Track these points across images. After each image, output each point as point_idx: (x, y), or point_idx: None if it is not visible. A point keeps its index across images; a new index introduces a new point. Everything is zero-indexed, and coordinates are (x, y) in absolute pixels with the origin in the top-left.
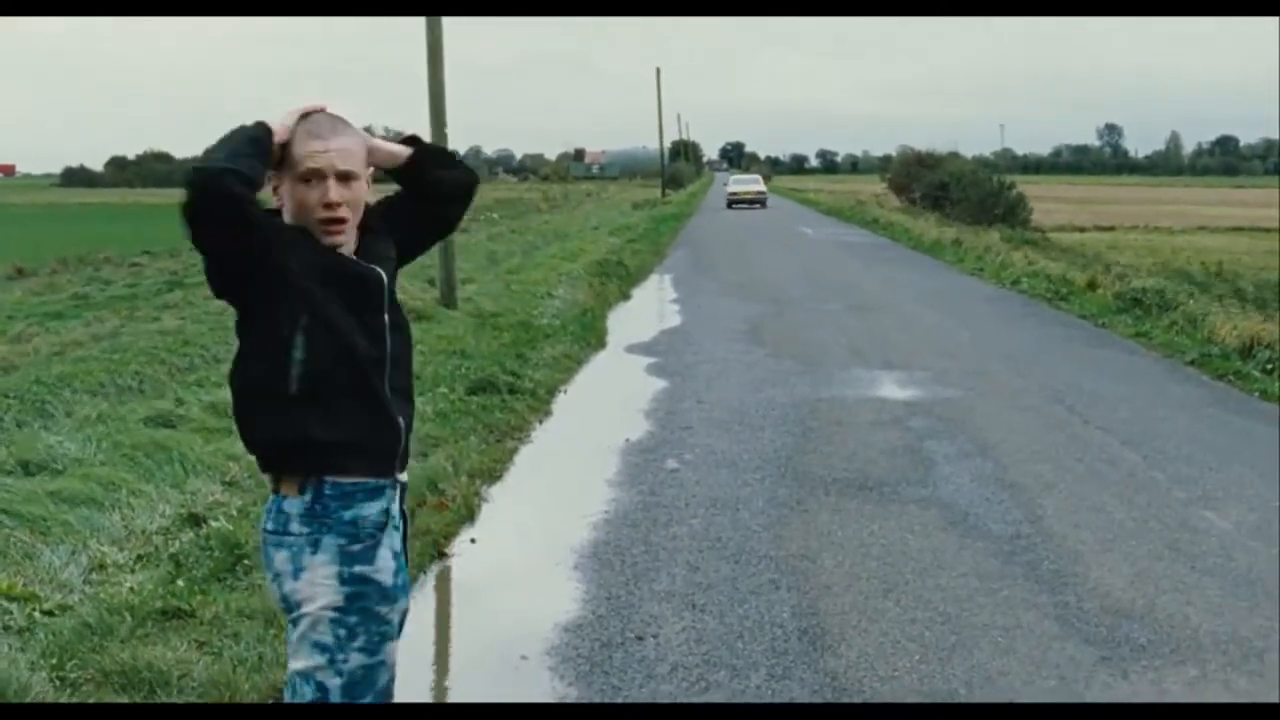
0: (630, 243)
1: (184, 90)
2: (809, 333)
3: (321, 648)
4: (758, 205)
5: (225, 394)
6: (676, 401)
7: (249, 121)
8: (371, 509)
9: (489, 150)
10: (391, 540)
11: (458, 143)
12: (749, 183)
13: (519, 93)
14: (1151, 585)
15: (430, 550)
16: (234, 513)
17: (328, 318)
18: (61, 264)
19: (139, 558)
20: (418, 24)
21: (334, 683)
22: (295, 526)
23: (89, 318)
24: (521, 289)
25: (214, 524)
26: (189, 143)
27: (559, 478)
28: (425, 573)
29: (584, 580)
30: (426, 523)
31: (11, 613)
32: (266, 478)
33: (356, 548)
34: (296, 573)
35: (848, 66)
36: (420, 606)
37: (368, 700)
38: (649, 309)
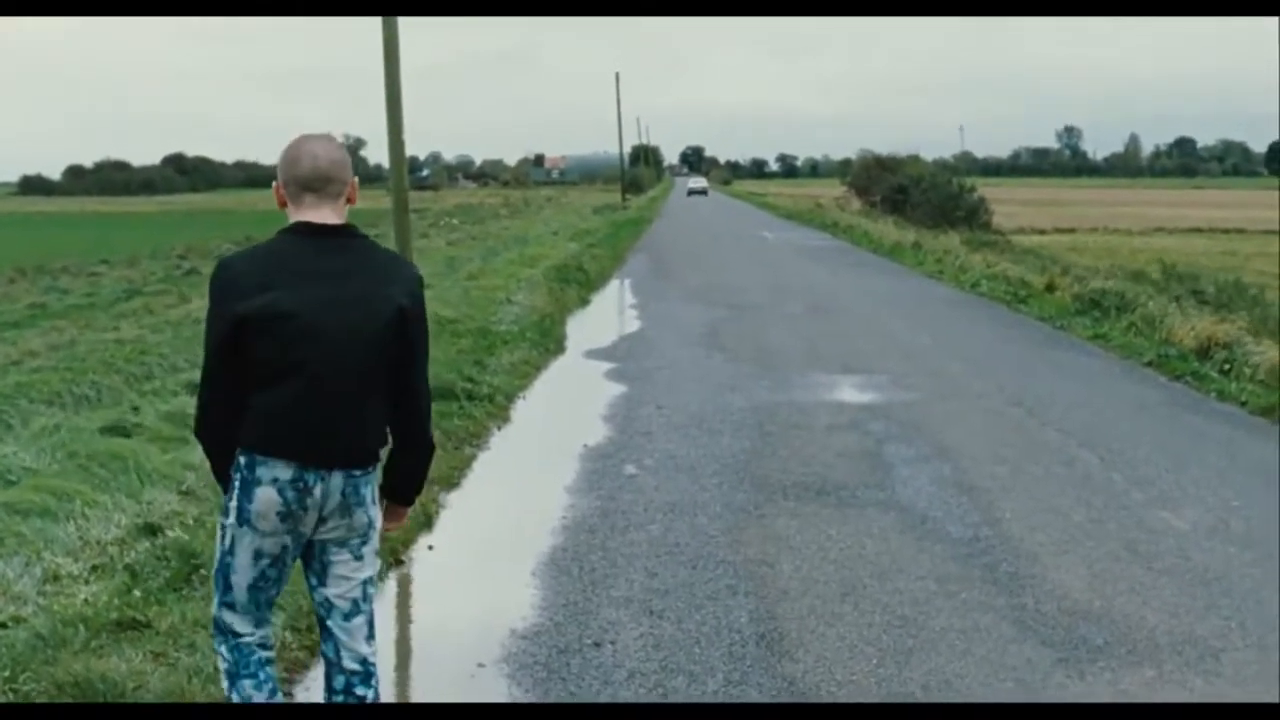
0: (590, 248)
1: (139, 96)
2: (768, 337)
3: (377, 551)
4: (701, 194)
5: (182, 402)
6: (635, 407)
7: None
8: None
9: (448, 155)
10: None
11: (415, 148)
12: (699, 182)
13: (477, 98)
14: (1109, 586)
15: (387, 557)
16: (190, 522)
17: None
18: (19, 273)
19: (94, 568)
20: (373, 25)
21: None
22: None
23: (46, 327)
24: (480, 295)
25: (170, 534)
26: (146, 150)
27: (517, 484)
28: (382, 579)
29: (541, 587)
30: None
31: None
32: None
33: None
34: (374, 500)
35: (807, 69)
36: (376, 614)
37: None
38: (609, 314)
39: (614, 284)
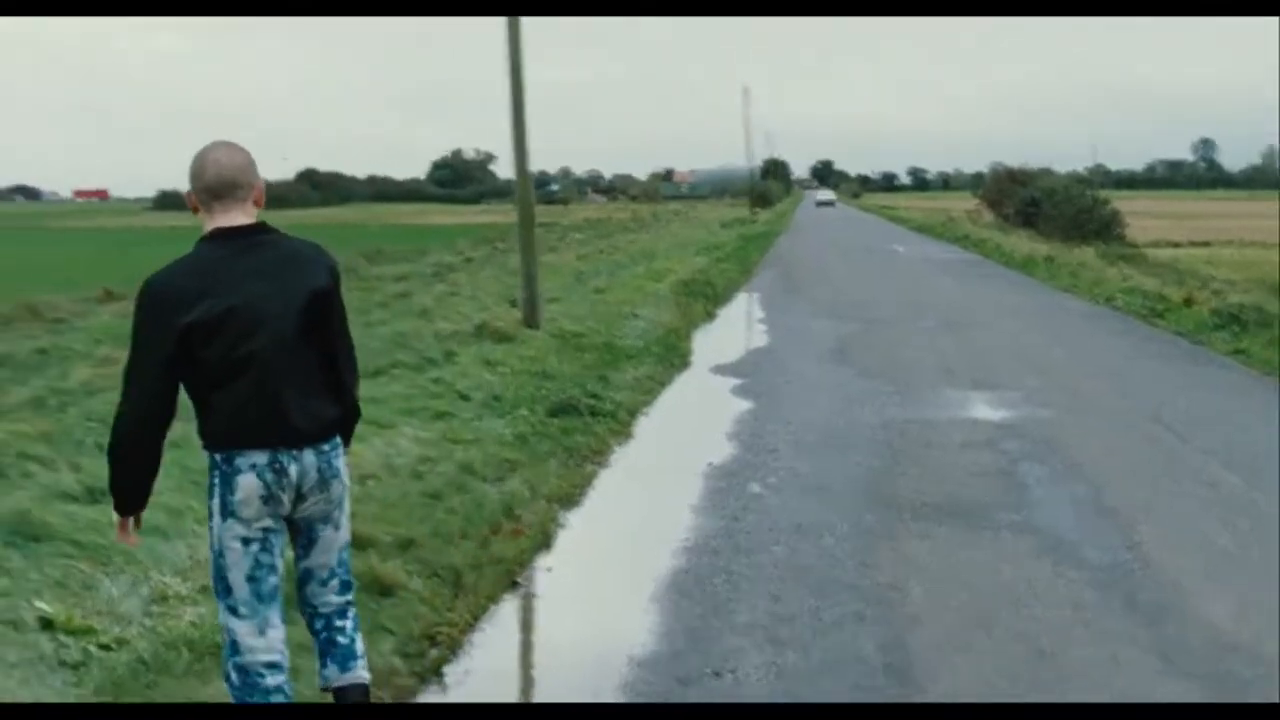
0: (718, 262)
1: (270, 114)
2: (899, 352)
3: (349, 516)
4: (829, 205)
5: None
6: (762, 423)
7: None
8: None
9: (578, 170)
10: None
11: (545, 163)
12: (826, 194)
13: (607, 113)
14: (1257, 617)
15: (503, 579)
16: None
17: None
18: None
19: (203, 589)
20: (500, 40)
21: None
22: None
23: None
24: (606, 309)
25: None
26: (278, 166)
27: (639, 503)
28: (496, 604)
29: (662, 611)
30: (500, 550)
31: (68, 646)
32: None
33: None
34: (344, 467)
35: (938, 83)
36: (491, 640)
37: None
38: (736, 329)
39: (741, 298)
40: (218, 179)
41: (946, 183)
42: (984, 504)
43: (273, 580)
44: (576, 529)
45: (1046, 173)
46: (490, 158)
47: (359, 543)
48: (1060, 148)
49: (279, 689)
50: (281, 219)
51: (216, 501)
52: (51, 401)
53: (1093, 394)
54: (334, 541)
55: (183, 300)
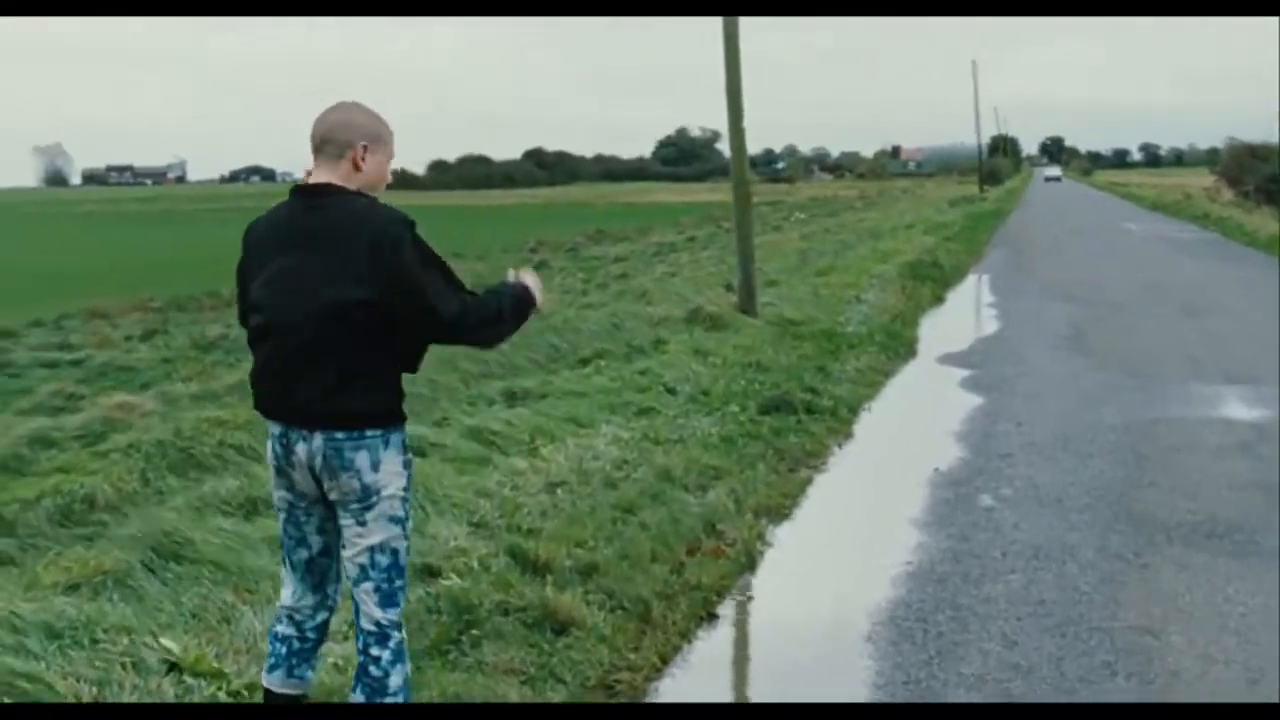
0: (945, 241)
1: (500, 95)
2: (1138, 340)
3: (395, 520)
4: (1056, 180)
5: (494, 414)
6: (993, 422)
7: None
8: None
9: (804, 148)
10: None
11: (772, 141)
12: (1054, 170)
13: (835, 90)
14: None
15: (698, 611)
16: (474, 565)
17: None
18: None
19: (353, 621)
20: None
21: (403, 545)
22: (370, 431)
23: None
24: (828, 293)
25: (447, 581)
26: (505, 146)
27: (856, 517)
28: (689, 642)
29: (876, 655)
30: (697, 575)
31: (193, 692)
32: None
33: (406, 441)
34: (375, 465)
35: (1171, 55)
36: (680, 689)
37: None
38: (964, 314)
39: (970, 280)
40: (314, 132)
41: (1180, 158)
42: (1248, 524)
43: (301, 553)
44: (785, 548)
45: None
46: (716, 135)
47: (534, 566)
48: None
49: (291, 650)
50: (508, 198)
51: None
52: None
53: None
54: (358, 539)
55: (249, 259)
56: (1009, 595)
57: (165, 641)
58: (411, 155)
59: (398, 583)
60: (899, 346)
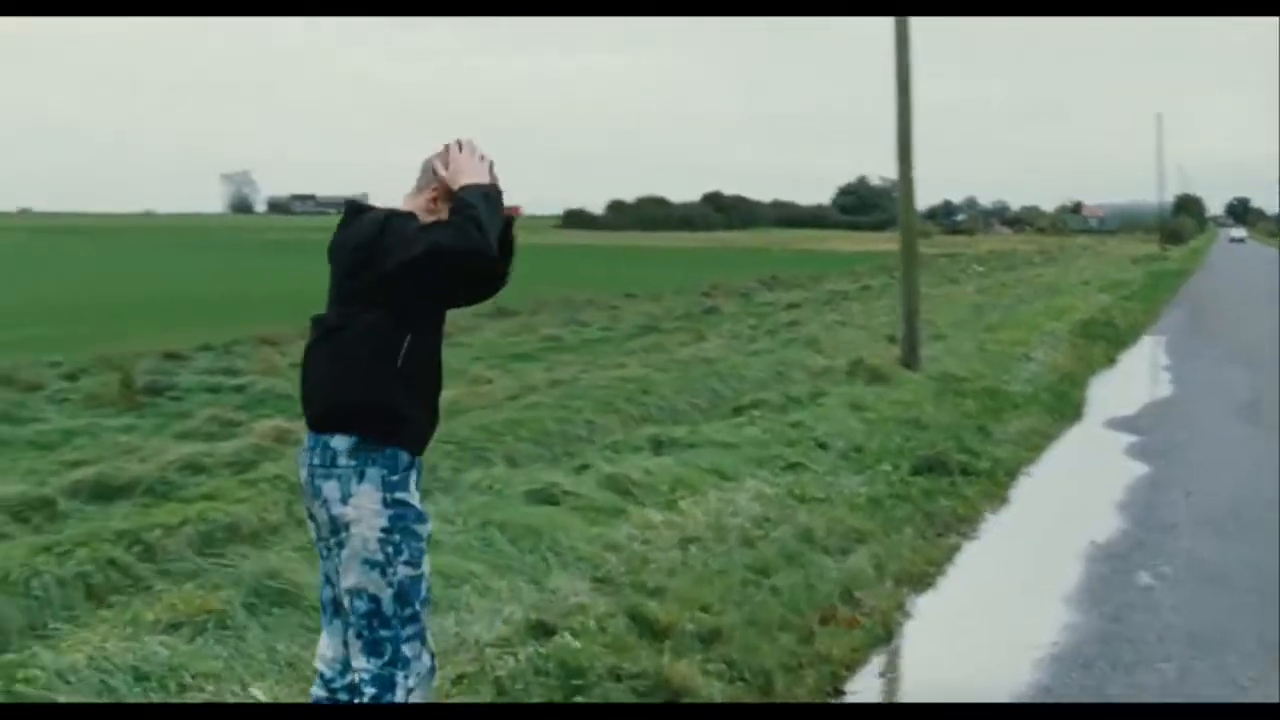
0: (1123, 300)
1: (681, 140)
2: None
3: (371, 563)
4: (1240, 242)
5: (638, 462)
6: (1159, 492)
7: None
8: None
9: (984, 200)
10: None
11: (951, 192)
12: (1239, 232)
13: (1016, 144)
14: None
15: (824, 684)
16: (590, 624)
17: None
18: (541, 305)
19: (459, 678)
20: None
21: (387, 593)
22: (343, 460)
23: (554, 361)
24: (996, 349)
25: (560, 639)
26: (683, 188)
27: (1003, 590)
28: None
29: None
30: (828, 645)
31: None
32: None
33: (395, 478)
34: (344, 498)
35: None
36: None
37: (415, 607)
38: (1137, 376)
39: (1146, 341)
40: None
41: None
42: None
43: (327, 592)
44: (924, 619)
45: None
46: (896, 185)
47: (653, 630)
48: None
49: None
50: (685, 240)
51: None
52: None
53: None
54: (339, 567)
55: None
56: (1162, 686)
57: (254, 691)
58: (589, 195)
59: (382, 632)
60: (1065, 408)
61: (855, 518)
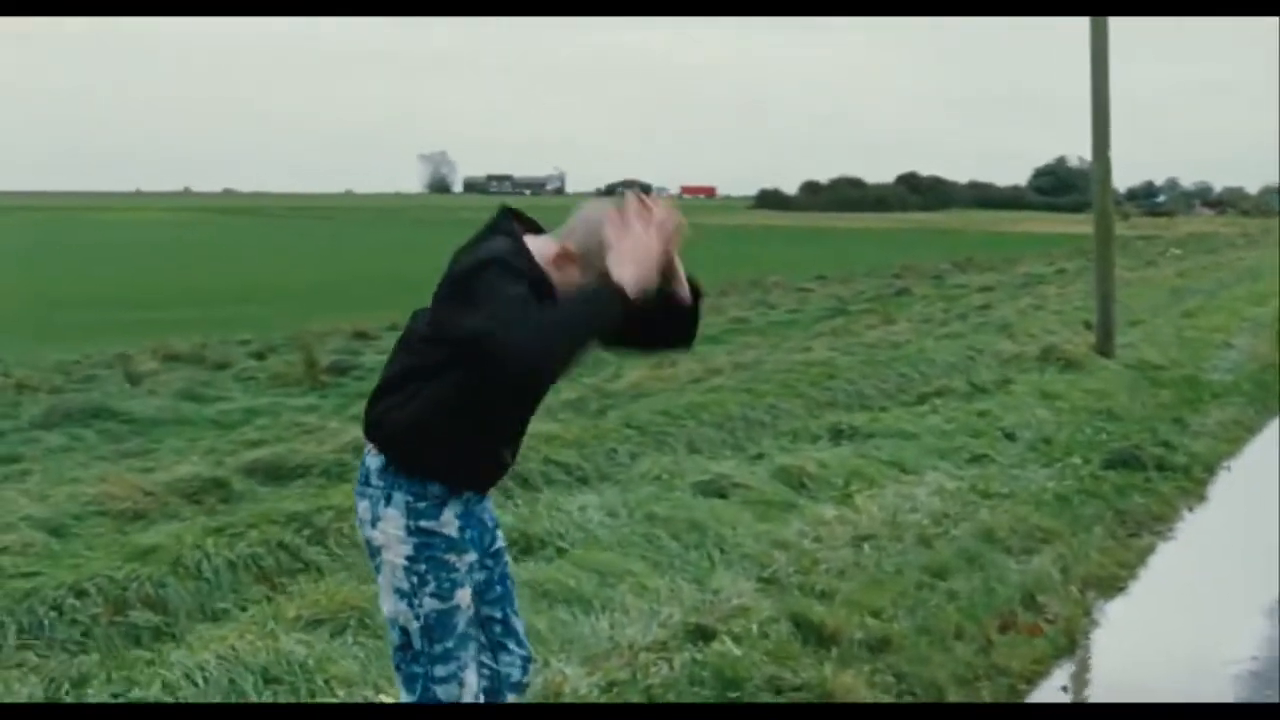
0: None
1: (874, 118)
2: None
3: (399, 593)
4: None
5: (815, 452)
6: None
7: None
8: None
9: (1186, 182)
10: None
11: (1153, 173)
12: None
13: (1216, 123)
14: None
15: (1000, 698)
16: (753, 628)
17: None
18: (730, 286)
19: (608, 685)
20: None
21: (415, 625)
22: (374, 480)
23: (740, 344)
24: (1195, 335)
25: (719, 644)
26: (879, 169)
27: (1199, 596)
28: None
29: None
30: (1006, 656)
31: None
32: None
33: (422, 504)
34: (374, 521)
35: None
36: None
37: (448, 644)
38: None
39: None
40: None
41: None
42: None
43: None
44: (1111, 627)
45: None
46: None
47: (819, 636)
48: None
49: None
50: (879, 221)
51: None
52: (593, 404)
53: None
54: (380, 589)
55: None
56: None
57: (384, 698)
58: (784, 176)
59: (414, 668)
60: (1269, 398)
61: (1041, 515)
